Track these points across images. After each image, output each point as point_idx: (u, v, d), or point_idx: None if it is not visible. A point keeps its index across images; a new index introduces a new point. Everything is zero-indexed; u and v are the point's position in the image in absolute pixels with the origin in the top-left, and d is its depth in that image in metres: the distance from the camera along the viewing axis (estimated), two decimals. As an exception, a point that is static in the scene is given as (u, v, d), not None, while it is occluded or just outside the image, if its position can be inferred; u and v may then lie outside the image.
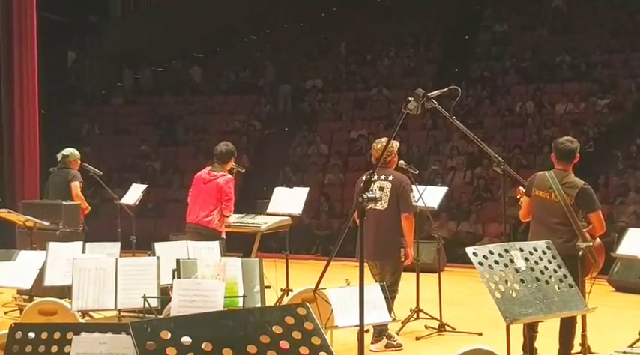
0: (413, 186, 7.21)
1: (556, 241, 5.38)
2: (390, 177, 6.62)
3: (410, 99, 3.96)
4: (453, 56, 18.84)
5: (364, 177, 6.74)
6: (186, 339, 2.33)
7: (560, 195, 5.65)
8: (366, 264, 6.62)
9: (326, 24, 21.19)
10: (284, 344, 2.42)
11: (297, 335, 2.44)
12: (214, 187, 7.42)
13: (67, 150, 9.13)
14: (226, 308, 4.53)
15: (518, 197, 6.24)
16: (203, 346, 2.35)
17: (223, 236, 7.39)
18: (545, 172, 5.88)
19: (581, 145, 14.52)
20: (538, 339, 5.47)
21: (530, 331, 3.87)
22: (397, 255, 6.61)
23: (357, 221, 4.07)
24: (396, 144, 6.88)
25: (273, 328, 2.44)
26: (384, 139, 6.78)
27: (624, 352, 3.96)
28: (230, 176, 7.56)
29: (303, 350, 2.42)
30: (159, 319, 2.74)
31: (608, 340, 6.43)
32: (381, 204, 6.55)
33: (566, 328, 5.74)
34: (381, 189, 6.57)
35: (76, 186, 8.86)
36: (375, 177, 6.56)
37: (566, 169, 5.83)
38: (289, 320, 2.47)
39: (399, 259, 6.63)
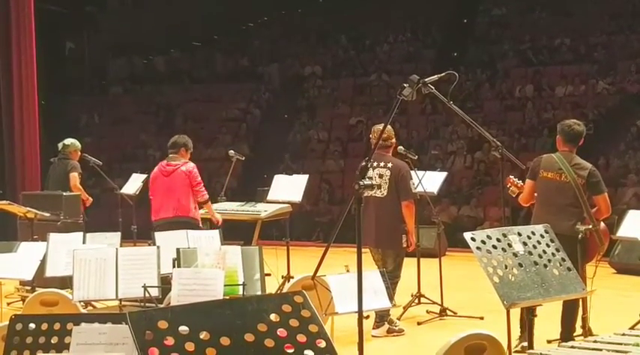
0: (412, 172, 7.21)
1: (565, 223, 5.42)
2: (389, 164, 6.61)
3: (405, 85, 3.95)
4: (452, 40, 18.77)
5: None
6: (183, 329, 2.35)
7: (571, 176, 5.66)
8: (368, 251, 6.68)
9: (324, 10, 21.10)
10: (282, 332, 2.43)
11: (294, 323, 2.45)
12: (178, 177, 7.38)
13: (68, 140, 9.13)
14: (227, 297, 4.54)
15: (508, 185, 6.22)
16: (201, 335, 2.36)
17: (200, 224, 7.39)
18: (552, 154, 5.89)
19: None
20: (538, 323, 5.48)
21: (530, 315, 3.88)
22: (398, 242, 6.62)
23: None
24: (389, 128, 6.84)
25: (271, 316, 2.45)
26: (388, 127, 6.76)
27: (624, 334, 3.96)
28: (192, 163, 7.54)
29: (301, 337, 2.43)
30: (156, 309, 2.75)
31: (609, 322, 6.44)
32: (380, 191, 6.55)
33: (569, 311, 5.75)
34: (381, 176, 6.57)
35: (75, 177, 8.86)
36: (375, 164, 6.56)
37: (571, 152, 5.84)
38: (286, 308, 2.48)
39: (400, 245, 6.64)
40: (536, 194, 5.96)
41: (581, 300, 5.65)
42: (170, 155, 7.58)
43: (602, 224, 5.86)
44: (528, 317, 3.88)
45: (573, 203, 5.68)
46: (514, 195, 6.42)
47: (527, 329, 3.96)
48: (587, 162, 5.84)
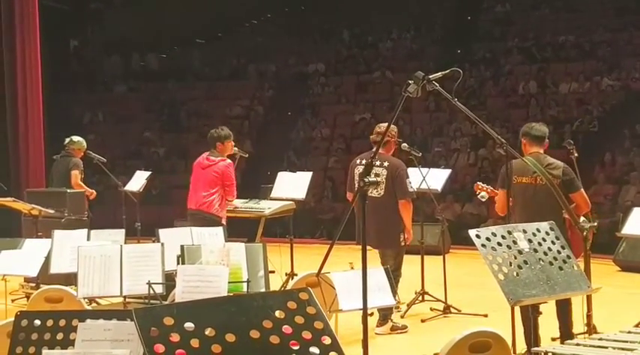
0: (416, 169, 7.17)
1: None
2: (386, 163, 6.57)
3: (410, 82, 3.94)
4: (456, 37, 18.75)
5: (357, 161, 6.73)
6: (189, 325, 2.35)
7: (547, 178, 5.57)
8: (370, 248, 6.67)
9: (327, 7, 21.10)
10: (287, 329, 2.43)
11: (299, 319, 2.45)
12: (214, 172, 7.43)
13: (76, 138, 9.13)
14: (231, 294, 4.54)
15: (477, 192, 6.16)
16: (206, 332, 2.36)
17: (224, 221, 7.40)
18: (523, 158, 5.70)
19: (586, 125, 14.56)
20: (543, 321, 5.47)
21: (534, 312, 3.87)
22: (397, 241, 6.61)
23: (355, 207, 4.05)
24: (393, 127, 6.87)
25: (276, 313, 2.45)
26: (384, 124, 6.77)
27: (629, 332, 3.96)
28: (229, 160, 7.57)
29: (306, 334, 2.43)
30: (162, 305, 2.75)
31: (613, 320, 6.44)
32: (377, 191, 6.51)
33: (562, 308, 5.72)
34: (377, 175, 6.50)
35: (76, 175, 8.85)
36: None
37: (541, 153, 5.77)
38: (292, 305, 2.48)
39: (399, 244, 6.62)
40: (511, 200, 5.78)
41: (585, 297, 5.63)
42: (212, 149, 7.60)
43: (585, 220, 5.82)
44: (532, 315, 3.87)
45: (553, 204, 5.60)
46: (484, 200, 6.37)
47: (532, 326, 3.95)
48: (559, 161, 5.77)
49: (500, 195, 5.77)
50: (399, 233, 6.57)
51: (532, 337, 4.04)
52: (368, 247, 3.85)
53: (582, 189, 5.72)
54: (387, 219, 6.53)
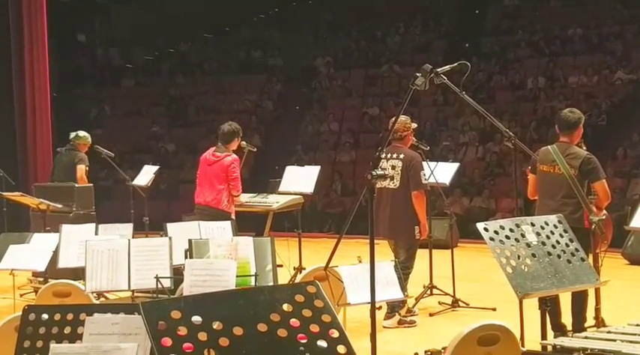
0: (424, 163, 7.18)
1: (564, 215, 5.37)
2: (401, 155, 6.60)
3: (417, 75, 3.92)
4: (464, 31, 18.70)
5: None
6: (196, 319, 2.34)
7: (564, 167, 5.63)
8: (380, 241, 6.67)
9: (335, 1, 21.06)
10: (294, 322, 2.43)
11: (307, 313, 2.45)
12: (219, 168, 7.42)
13: (82, 133, 9.12)
14: (238, 288, 4.54)
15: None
16: (214, 325, 2.36)
17: (233, 216, 7.40)
18: (549, 146, 5.88)
19: (594, 118, 14.51)
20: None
21: (543, 306, 3.86)
22: (411, 233, 6.60)
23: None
24: (413, 125, 6.87)
25: (284, 306, 2.45)
26: (404, 117, 6.74)
27: (638, 325, 3.95)
28: (235, 155, 7.55)
29: (314, 327, 2.43)
30: (169, 299, 2.75)
31: (622, 313, 6.41)
32: (393, 182, 6.54)
33: (578, 301, 5.73)
34: (393, 167, 6.56)
35: (82, 169, 8.85)
36: (388, 156, 6.57)
37: (570, 141, 5.80)
38: (299, 298, 2.48)
39: (412, 236, 6.62)
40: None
41: (593, 291, 5.62)
42: (219, 144, 7.59)
43: (605, 212, 5.80)
44: (542, 308, 3.85)
45: (569, 194, 5.64)
46: None
47: (541, 319, 3.94)
48: (584, 151, 5.79)
49: (530, 180, 6.01)
50: (413, 225, 6.57)
51: (541, 327, 4.02)
52: (377, 241, 3.83)
53: (604, 181, 5.73)
54: (402, 211, 6.54)
